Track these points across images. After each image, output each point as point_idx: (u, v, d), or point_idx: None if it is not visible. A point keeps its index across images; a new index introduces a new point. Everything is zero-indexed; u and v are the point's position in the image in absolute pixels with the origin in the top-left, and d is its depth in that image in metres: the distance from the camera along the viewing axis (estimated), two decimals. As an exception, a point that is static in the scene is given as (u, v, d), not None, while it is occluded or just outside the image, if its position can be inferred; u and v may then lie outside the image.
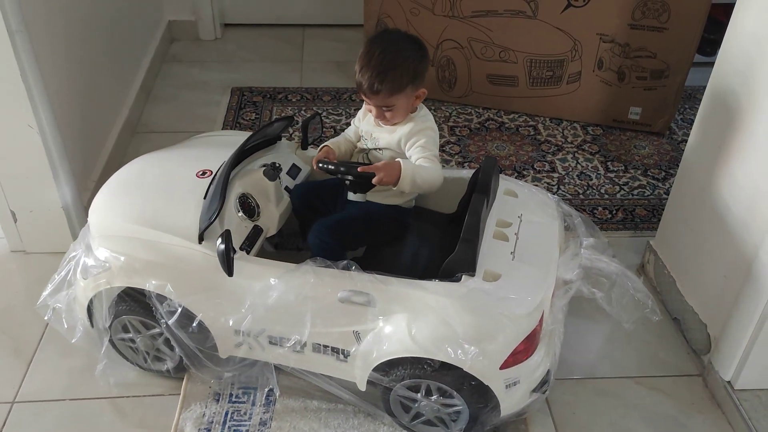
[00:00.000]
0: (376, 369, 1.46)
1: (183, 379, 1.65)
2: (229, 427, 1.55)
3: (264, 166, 1.67)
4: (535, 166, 2.52)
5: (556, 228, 1.60)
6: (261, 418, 1.58)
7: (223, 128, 2.70)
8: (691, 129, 2.71)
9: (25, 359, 1.73)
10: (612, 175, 2.49)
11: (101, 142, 2.35)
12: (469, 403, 1.44)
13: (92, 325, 1.62)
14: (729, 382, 1.62)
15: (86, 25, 2.24)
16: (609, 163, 2.54)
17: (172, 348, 1.58)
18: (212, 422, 1.56)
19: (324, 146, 1.69)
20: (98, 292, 1.54)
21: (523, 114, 2.82)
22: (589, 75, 2.65)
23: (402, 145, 1.59)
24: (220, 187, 1.51)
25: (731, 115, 1.61)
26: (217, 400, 1.61)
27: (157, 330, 1.57)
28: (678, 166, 2.51)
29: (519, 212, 1.61)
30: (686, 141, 2.65)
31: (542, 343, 1.46)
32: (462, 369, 1.37)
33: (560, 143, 2.66)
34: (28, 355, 1.74)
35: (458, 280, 1.40)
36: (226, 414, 1.58)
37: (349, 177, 1.55)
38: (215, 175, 1.62)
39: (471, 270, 1.40)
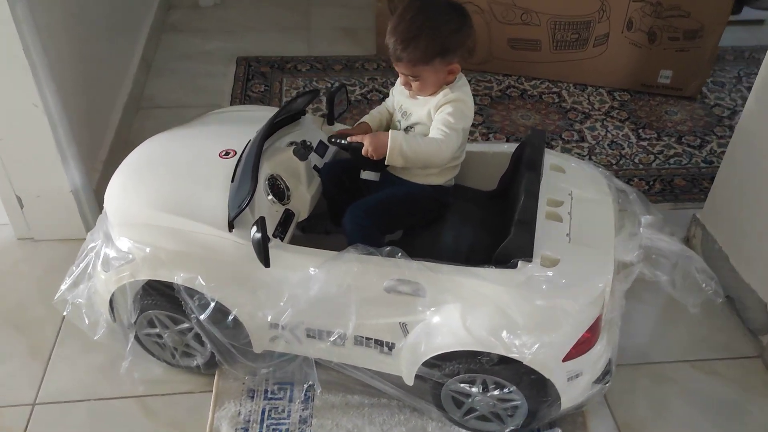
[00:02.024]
0: (425, 363, 1.36)
1: (214, 375, 1.55)
2: (267, 426, 1.46)
3: (292, 144, 1.55)
4: (563, 136, 2.40)
5: (610, 205, 1.49)
6: (300, 416, 1.48)
7: (232, 101, 2.56)
8: (722, 92, 2.63)
9: (43, 358, 1.62)
10: (645, 143, 2.37)
11: (106, 118, 2.21)
12: (529, 398, 1.35)
13: (114, 320, 1.51)
14: (793, 364, 1.54)
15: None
16: (640, 131, 2.43)
17: (202, 343, 1.48)
18: (249, 421, 1.47)
19: (360, 122, 1.57)
20: (121, 285, 1.43)
21: (545, 80, 2.69)
22: (618, 37, 2.52)
23: (432, 117, 1.47)
24: (251, 169, 1.39)
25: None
26: (252, 397, 1.51)
27: (186, 325, 1.46)
28: (713, 131, 2.44)
29: (569, 189, 1.50)
30: (719, 105, 2.57)
31: (603, 332, 1.36)
32: (522, 362, 1.28)
33: (587, 110, 2.53)
34: (46, 353, 1.62)
35: (515, 266, 1.29)
36: (263, 412, 1.49)
37: (350, 152, 1.47)
38: (241, 155, 1.50)
39: (528, 255, 1.30)
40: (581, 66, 2.62)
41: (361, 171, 1.53)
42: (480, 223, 1.61)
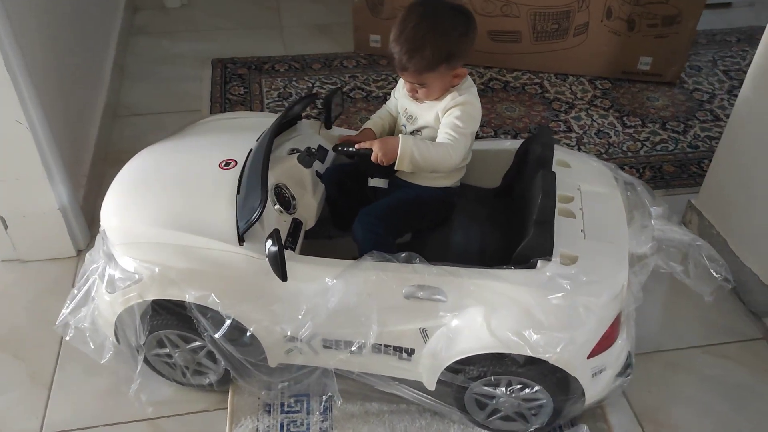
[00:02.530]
0: (448, 368, 1.35)
1: (227, 392, 1.51)
2: (287, 441, 1.43)
3: (294, 151, 1.51)
4: (550, 127, 2.40)
5: (619, 198, 1.50)
6: (320, 428, 1.45)
7: (212, 105, 2.50)
8: (699, 76, 2.68)
9: (44, 384, 1.55)
10: (630, 130, 2.39)
11: (85, 130, 2.12)
12: (554, 396, 1.34)
13: (119, 342, 1.46)
14: (799, 344, 1.57)
15: (49, 5, 1.96)
16: (625, 119, 2.45)
17: (215, 360, 1.44)
18: (268, 437, 1.43)
19: (363, 129, 1.55)
20: (128, 306, 1.37)
21: (526, 71, 2.69)
22: (597, 25, 2.53)
23: (440, 121, 1.46)
24: (259, 179, 1.34)
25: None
26: (269, 412, 1.48)
27: (198, 343, 1.42)
28: (695, 116, 2.48)
29: (577, 184, 1.50)
30: (698, 89, 2.61)
31: (623, 325, 1.37)
32: (547, 362, 1.27)
33: (570, 100, 2.54)
34: (47, 380, 1.56)
35: (534, 266, 1.29)
36: (282, 426, 1.45)
37: (358, 159, 1.45)
38: (244, 166, 1.45)
39: (548, 254, 1.29)
40: (562, 56, 2.63)
41: (369, 178, 1.51)
42: (487, 221, 1.60)
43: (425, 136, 1.49)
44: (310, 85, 2.61)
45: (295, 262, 1.32)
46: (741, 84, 2.62)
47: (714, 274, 1.45)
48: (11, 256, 1.84)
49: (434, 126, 1.46)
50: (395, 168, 1.40)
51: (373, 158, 1.40)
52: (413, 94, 1.46)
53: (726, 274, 1.46)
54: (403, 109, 1.53)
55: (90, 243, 1.89)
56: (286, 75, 2.68)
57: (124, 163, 1.54)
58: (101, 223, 1.45)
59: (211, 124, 1.72)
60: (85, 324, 1.41)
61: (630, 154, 2.29)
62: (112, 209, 1.46)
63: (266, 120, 1.65)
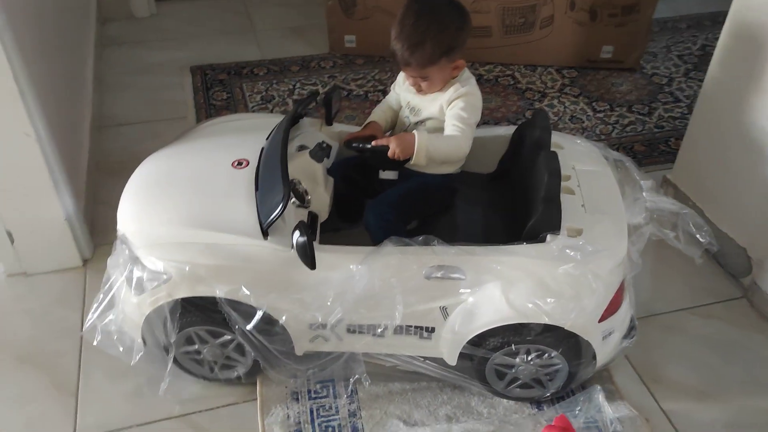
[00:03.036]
0: (470, 341, 1.43)
1: (254, 384, 1.56)
2: (319, 425, 1.49)
3: (302, 148, 1.58)
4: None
5: (611, 174, 1.61)
6: (349, 410, 1.52)
7: (198, 112, 2.53)
8: (656, 62, 2.85)
9: (70, 392, 1.57)
10: (601, 115, 2.53)
11: (79, 141, 2.13)
12: (569, 361, 1.45)
13: (145, 343, 1.49)
14: (778, 299, 1.72)
15: (39, 16, 1.97)
16: (594, 104, 2.59)
17: (244, 353, 1.49)
18: (300, 422, 1.49)
19: (369, 122, 1.62)
20: (157, 306, 1.41)
21: (498, 64, 2.81)
22: (562, 17, 2.67)
23: (444, 112, 1.55)
24: (280, 175, 1.40)
25: (759, 43, 1.65)
26: (297, 399, 1.54)
27: (228, 337, 1.47)
28: (657, 99, 2.63)
29: (571, 164, 1.61)
30: (657, 74, 2.77)
31: (626, 290, 1.48)
32: (563, 328, 1.37)
33: (542, 89, 2.67)
34: (72, 387, 1.58)
35: (544, 240, 1.39)
36: (311, 411, 1.52)
37: (370, 154, 1.53)
38: (258, 163, 1.51)
39: (557, 229, 1.39)
40: (530, 48, 2.76)
41: (380, 171, 1.58)
42: (487, 204, 1.69)
43: (429, 127, 1.57)
44: (291, 87, 2.67)
45: (319, 252, 1.38)
46: (695, 67, 2.82)
47: (700, 239, 1.58)
48: (17, 270, 1.84)
49: (438, 117, 1.55)
50: (412, 162, 1.48)
51: (390, 154, 1.47)
52: (417, 87, 1.54)
53: (710, 238, 1.59)
54: (405, 102, 1.61)
55: (95, 252, 1.91)
56: (266, 78, 2.72)
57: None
58: (119, 228, 1.49)
59: (211, 128, 1.77)
60: (112, 327, 1.44)
61: (603, 136, 2.42)
62: (131, 214, 1.50)
63: (265, 121, 1.72)
